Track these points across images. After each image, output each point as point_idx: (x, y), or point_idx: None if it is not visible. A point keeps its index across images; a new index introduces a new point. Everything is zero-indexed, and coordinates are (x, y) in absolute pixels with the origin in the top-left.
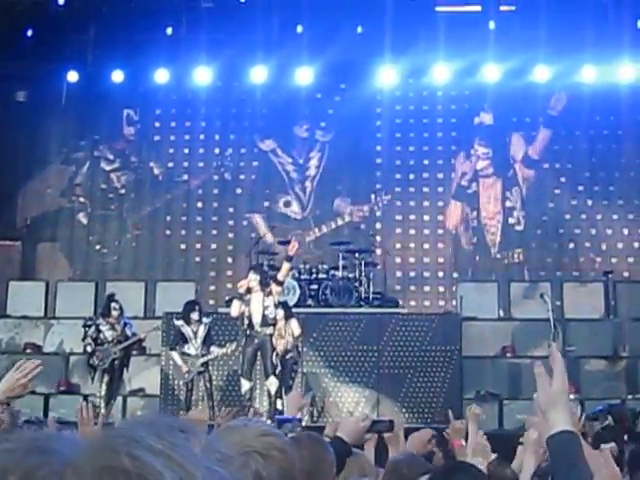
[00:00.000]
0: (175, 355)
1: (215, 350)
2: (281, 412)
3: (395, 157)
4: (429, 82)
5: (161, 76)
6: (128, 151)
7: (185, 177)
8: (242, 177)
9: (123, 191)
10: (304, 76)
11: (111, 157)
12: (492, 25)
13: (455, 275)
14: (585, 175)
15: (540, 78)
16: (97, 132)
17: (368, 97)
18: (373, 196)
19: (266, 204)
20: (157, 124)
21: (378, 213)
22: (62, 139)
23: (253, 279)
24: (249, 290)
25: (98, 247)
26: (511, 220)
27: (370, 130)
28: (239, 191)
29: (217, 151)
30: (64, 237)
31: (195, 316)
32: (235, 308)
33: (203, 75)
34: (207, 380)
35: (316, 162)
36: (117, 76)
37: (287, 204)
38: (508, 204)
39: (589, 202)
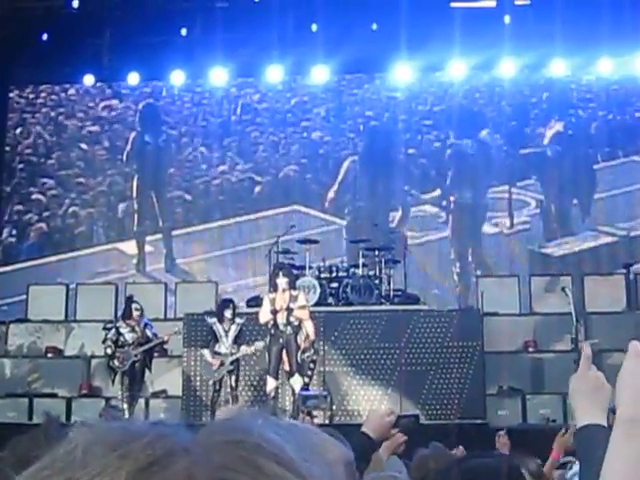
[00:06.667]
0: (207, 353)
1: (244, 349)
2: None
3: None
4: (445, 78)
5: (177, 77)
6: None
7: (198, 177)
8: (259, 178)
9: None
10: (320, 75)
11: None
12: (507, 20)
13: (475, 270)
14: None
15: (557, 72)
16: None
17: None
18: None
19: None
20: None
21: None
22: None
23: (284, 282)
24: (275, 289)
25: None
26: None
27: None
28: (257, 189)
29: (234, 149)
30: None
31: (228, 314)
32: (264, 316)
33: (219, 75)
34: (234, 381)
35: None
36: (133, 79)
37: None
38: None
39: None
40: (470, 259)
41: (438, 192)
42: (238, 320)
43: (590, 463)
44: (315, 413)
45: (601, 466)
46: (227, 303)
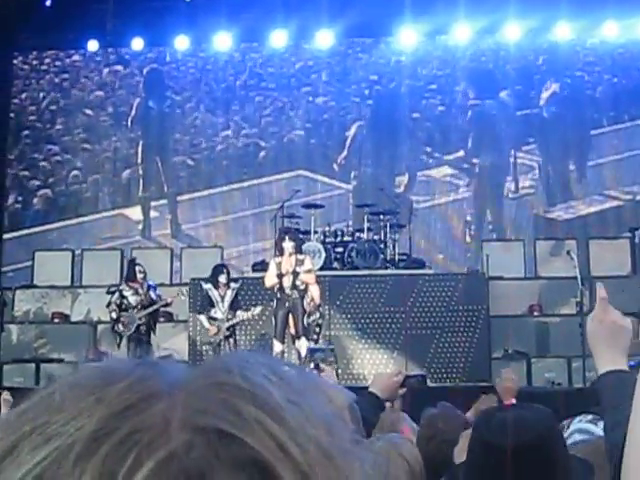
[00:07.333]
0: (203, 319)
1: (240, 314)
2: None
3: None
4: (450, 42)
5: (181, 42)
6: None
7: (203, 142)
8: (263, 143)
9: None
10: (324, 39)
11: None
12: None
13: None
14: None
15: (561, 35)
16: None
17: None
18: None
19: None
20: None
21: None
22: None
23: (290, 246)
24: (282, 253)
25: None
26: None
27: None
28: (262, 154)
29: (239, 114)
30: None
31: (223, 279)
32: (270, 280)
33: (223, 40)
34: (232, 345)
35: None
36: (137, 44)
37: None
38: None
39: None
40: (490, 219)
41: (462, 153)
42: (233, 285)
43: (616, 410)
44: (322, 366)
45: (629, 411)
46: (221, 268)
